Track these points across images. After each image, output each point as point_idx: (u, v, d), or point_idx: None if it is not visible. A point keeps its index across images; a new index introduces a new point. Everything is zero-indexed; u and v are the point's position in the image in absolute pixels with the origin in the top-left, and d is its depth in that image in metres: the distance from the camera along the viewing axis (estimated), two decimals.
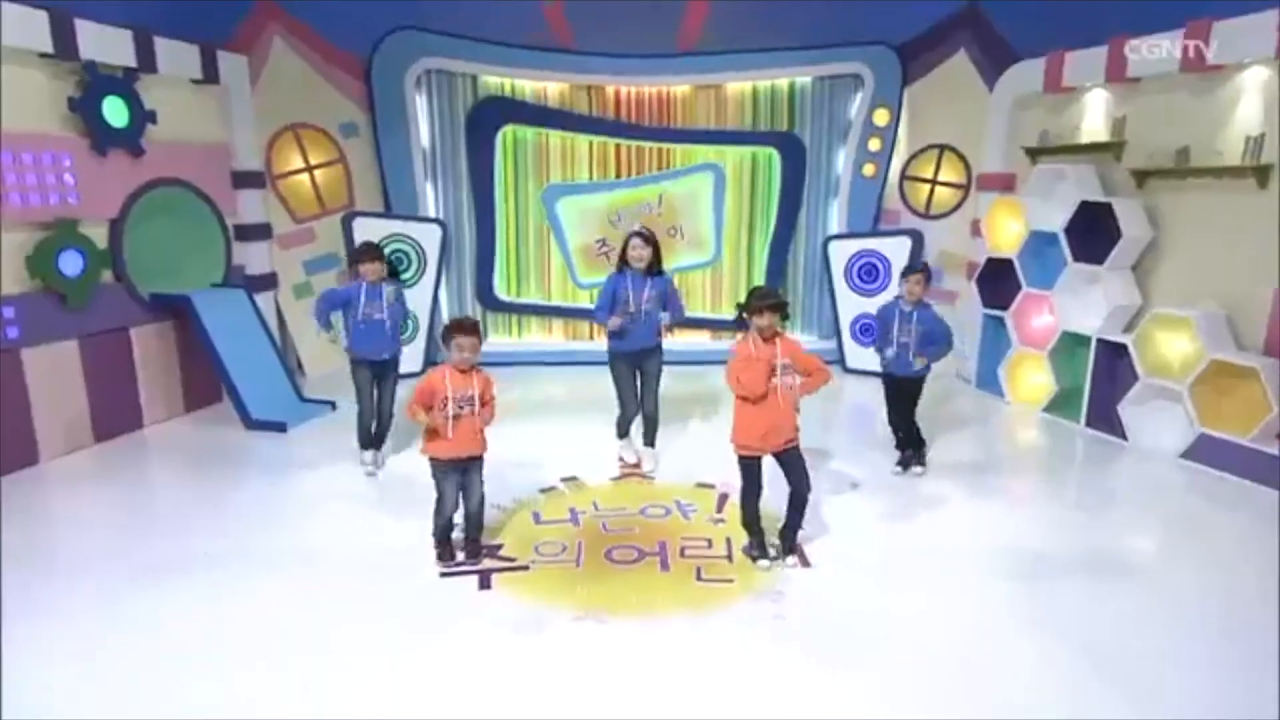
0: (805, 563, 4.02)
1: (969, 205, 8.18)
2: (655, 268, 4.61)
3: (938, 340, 4.76)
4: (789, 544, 3.89)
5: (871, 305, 8.14)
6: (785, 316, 3.60)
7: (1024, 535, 4.51)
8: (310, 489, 5.19)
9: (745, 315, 3.55)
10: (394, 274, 5.04)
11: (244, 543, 4.41)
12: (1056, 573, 4.04)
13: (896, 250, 8.32)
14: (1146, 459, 5.96)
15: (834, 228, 8.67)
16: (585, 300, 8.78)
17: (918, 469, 5.09)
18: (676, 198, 8.60)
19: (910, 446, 5.04)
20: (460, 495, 3.91)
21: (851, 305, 8.49)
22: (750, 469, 3.74)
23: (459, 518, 3.99)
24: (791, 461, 3.70)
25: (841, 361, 8.52)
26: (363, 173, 8.26)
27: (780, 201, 8.61)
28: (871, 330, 7.82)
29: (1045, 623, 3.62)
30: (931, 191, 8.37)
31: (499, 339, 8.90)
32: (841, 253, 8.49)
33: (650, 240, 4.49)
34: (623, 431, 5.18)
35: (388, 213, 8.22)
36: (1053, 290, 6.90)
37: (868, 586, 3.82)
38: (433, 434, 3.73)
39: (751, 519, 3.84)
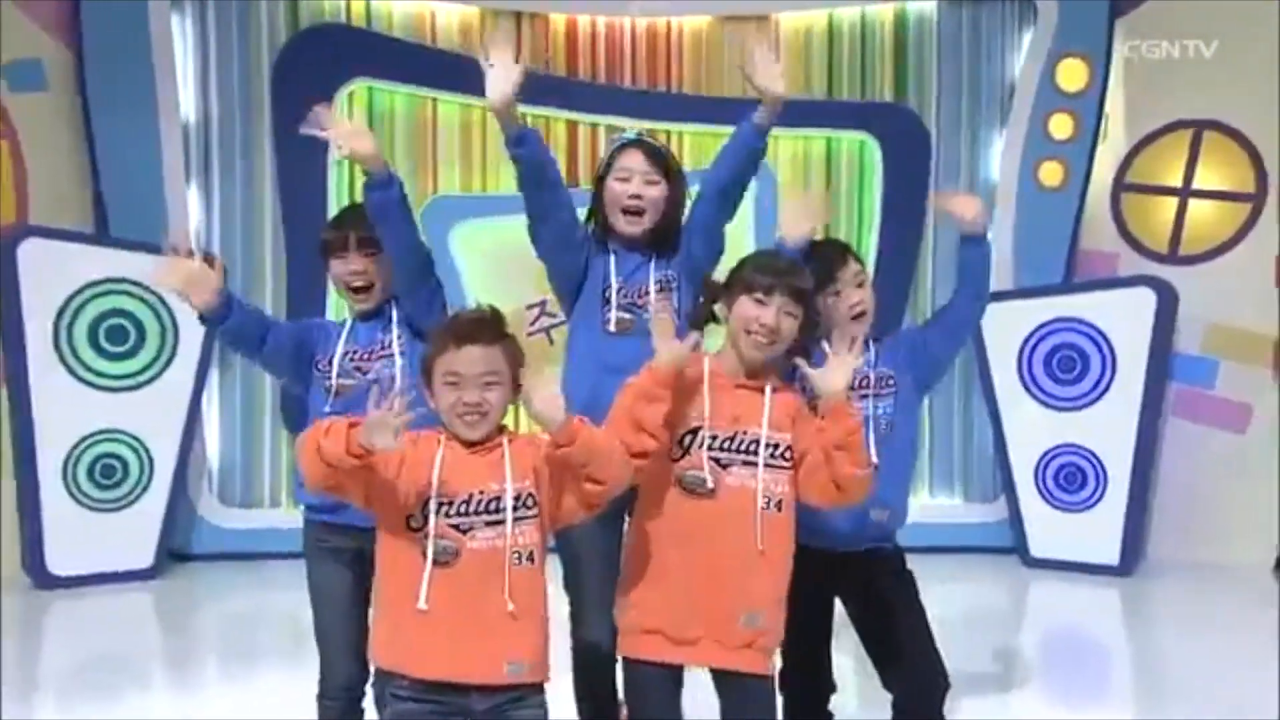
0: None
1: (1262, 232, 6.93)
2: (668, 233, 3.18)
3: (951, 337, 3.26)
4: None
5: (1077, 426, 6.79)
6: (811, 327, 2.74)
7: None
8: None
9: (718, 302, 2.77)
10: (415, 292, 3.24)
11: None
12: None
13: (1122, 315, 6.73)
14: None
15: (990, 280, 6.63)
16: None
17: None
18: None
19: None
20: None
21: (1033, 428, 6.95)
22: (650, 692, 2.73)
23: None
24: (746, 697, 2.72)
25: (1020, 549, 6.97)
26: (50, 159, 6.70)
27: (882, 231, 7.35)
28: (1082, 477, 6.71)
29: None
30: (1181, 211, 7.12)
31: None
32: (1009, 326, 6.92)
33: (664, 161, 3.13)
34: None
35: (101, 236, 6.61)
36: None
37: None
38: (386, 604, 2.55)
39: None
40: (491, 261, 7.16)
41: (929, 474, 7.51)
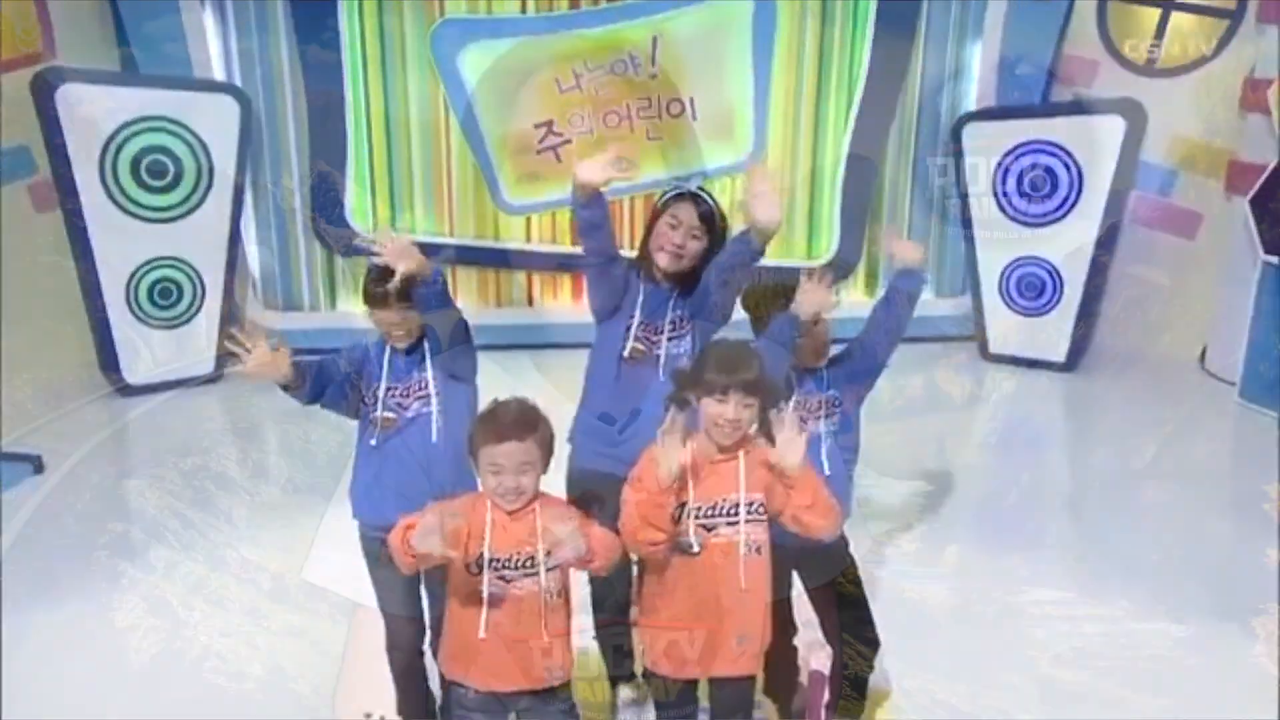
0: None
1: (1237, 51, 6.74)
2: (695, 273, 3.48)
3: (874, 356, 3.45)
4: None
5: (1040, 243, 6.93)
6: (767, 405, 2.82)
7: None
8: None
9: (688, 396, 2.84)
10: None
11: None
12: None
13: (1091, 141, 6.74)
14: None
15: (972, 99, 7.35)
16: (517, 235, 7.70)
17: None
18: (682, 43, 7.34)
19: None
20: None
21: (1002, 241, 7.15)
22: (670, 688, 3.01)
23: None
24: (732, 690, 2.99)
25: (980, 340, 7.33)
26: None
27: (874, 46, 7.23)
28: (1040, 286, 7.00)
29: None
30: (1163, 23, 6.94)
31: (350, 309, 7.54)
32: (987, 145, 7.06)
33: (711, 219, 3.39)
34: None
35: (128, 75, 6.54)
36: None
37: None
38: (452, 626, 2.88)
39: None
40: (502, 81, 7.09)
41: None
